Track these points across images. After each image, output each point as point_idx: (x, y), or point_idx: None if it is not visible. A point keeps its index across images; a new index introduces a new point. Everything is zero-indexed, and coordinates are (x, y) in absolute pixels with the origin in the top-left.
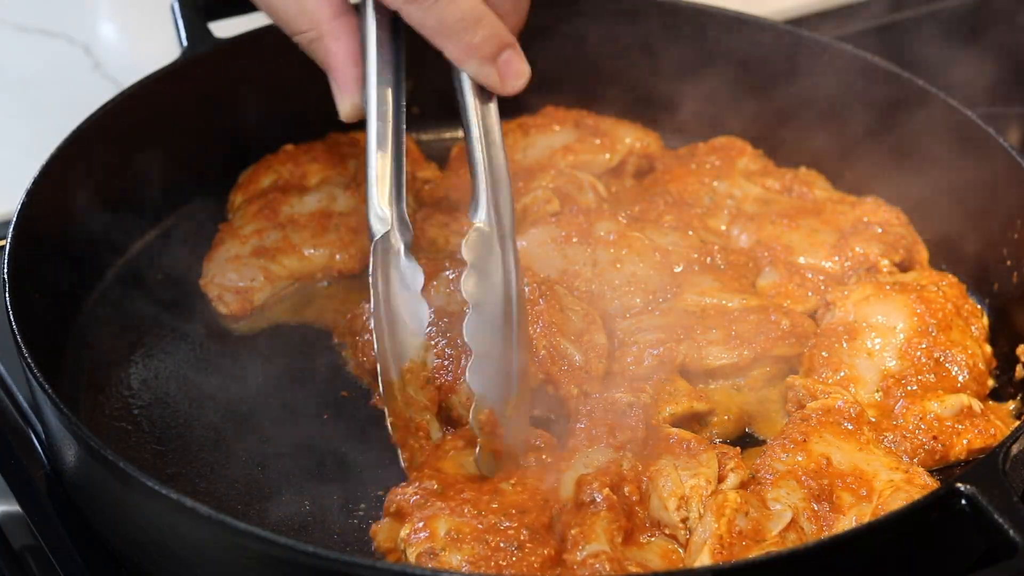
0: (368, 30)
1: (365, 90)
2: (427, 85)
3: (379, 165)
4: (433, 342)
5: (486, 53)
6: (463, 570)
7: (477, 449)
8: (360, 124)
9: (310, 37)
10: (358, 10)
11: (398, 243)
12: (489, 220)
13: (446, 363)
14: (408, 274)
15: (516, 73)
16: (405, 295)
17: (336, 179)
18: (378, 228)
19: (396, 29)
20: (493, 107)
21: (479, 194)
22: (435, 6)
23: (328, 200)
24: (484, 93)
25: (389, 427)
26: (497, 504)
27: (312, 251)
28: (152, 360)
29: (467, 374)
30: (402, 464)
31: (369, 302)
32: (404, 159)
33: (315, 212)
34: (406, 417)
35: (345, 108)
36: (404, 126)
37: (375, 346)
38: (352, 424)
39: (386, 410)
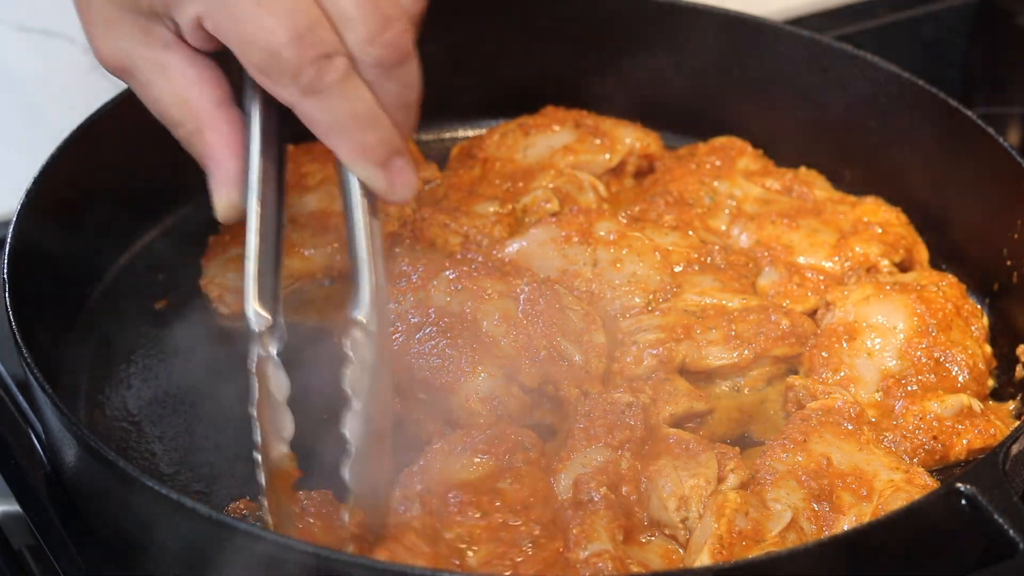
0: (253, 124)
1: (246, 187)
2: (427, 86)
3: (256, 264)
4: (433, 343)
5: (378, 157)
6: (480, 571)
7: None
8: None
9: (189, 129)
10: (242, 105)
11: (271, 348)
12: (370, 319)
13: (447, 364)
14: (275, 381)
15: (406, 183)
16: (270, 402)
17: (336, 179)
18: (256, 325)
19: (282, 123)
20: (379, 216)
21: (363, 291)
22: (330, 103)
23: (328, 200)
24: (371, 197)
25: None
26: (500, 503)
27: (312, 251)
28: (152, 360)
29: (347, 472)
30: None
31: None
32: (282, 260)
33: (315, 212)
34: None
35: (222, 205)
36: (284, 227)
37: (257, 439)
38: None
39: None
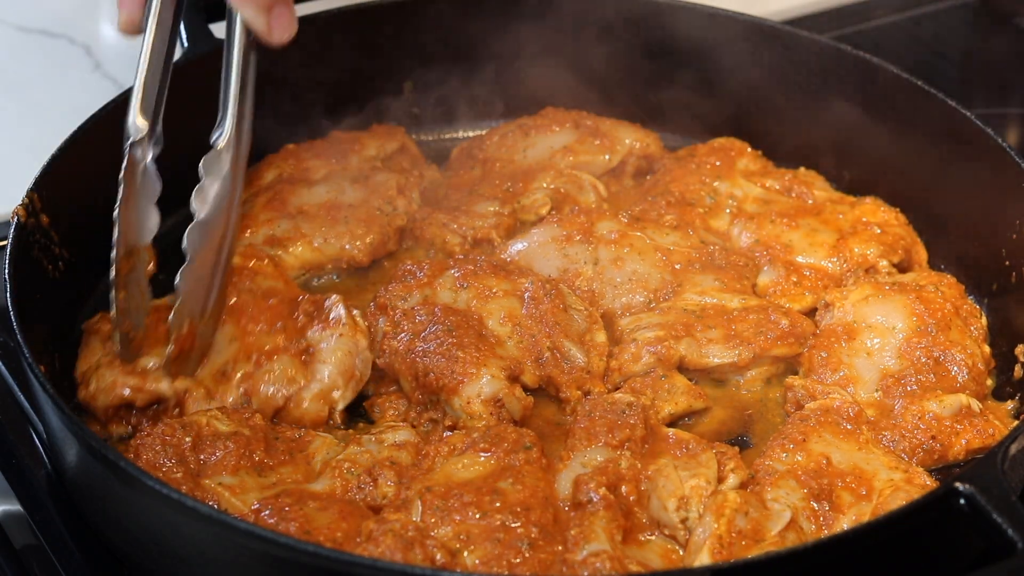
0: None
1: (147, 8)
2: (427, 87)
3: (144, 77)
4: (438, 341)
5: (262, 3)
6: (478, 571)
7: (168, 349)
8: (360, 122)
9: None
10: None
11: (147, 154)
12: (229, 143)
13: (451, 364)
14: (148, 183)
15: (284, 26)
16: (141, 203)
17: (341, 173)
18: (132, 134)
19: None
20: (254, 57)
21: (226, 119)
22: None
23: (337, 192)
24: (251, 40)
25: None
26: (500, 503)
27: (323, 241)
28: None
29: (178, 277)
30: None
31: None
32: (168, 78)
33: (324, 203)
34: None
35: (123, 20)
36: (173, 50)
37: (114, 235)
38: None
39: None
